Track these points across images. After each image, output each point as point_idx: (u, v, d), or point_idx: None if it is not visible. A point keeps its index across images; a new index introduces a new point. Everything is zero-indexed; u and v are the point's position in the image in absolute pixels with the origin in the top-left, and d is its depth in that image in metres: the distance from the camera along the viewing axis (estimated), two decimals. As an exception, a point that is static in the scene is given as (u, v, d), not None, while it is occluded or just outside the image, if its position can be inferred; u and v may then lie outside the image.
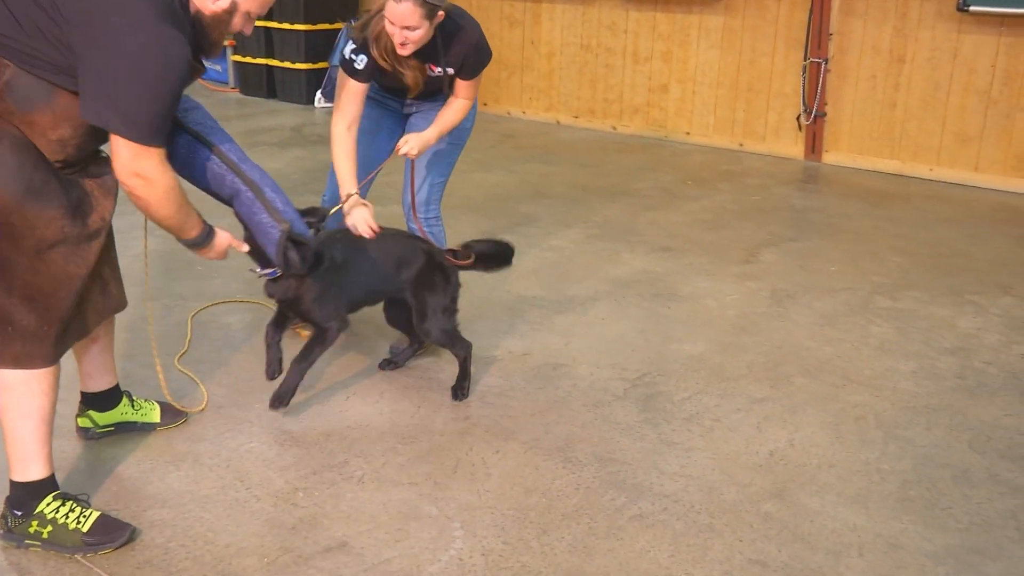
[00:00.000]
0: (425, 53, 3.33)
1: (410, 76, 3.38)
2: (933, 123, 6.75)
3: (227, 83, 10.12)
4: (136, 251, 4.80)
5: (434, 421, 3.28)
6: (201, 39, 2.47)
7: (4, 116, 2.30)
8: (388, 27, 3.20)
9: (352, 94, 3.41)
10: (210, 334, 3.93)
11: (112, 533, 2.55)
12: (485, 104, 9.12)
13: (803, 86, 7.22)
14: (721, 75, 7.70)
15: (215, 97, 9.64)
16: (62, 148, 2.39)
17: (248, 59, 9.69)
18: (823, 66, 7.08)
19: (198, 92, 9.32)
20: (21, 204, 2.33)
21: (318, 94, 9.27)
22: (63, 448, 3.01)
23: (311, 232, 2.95)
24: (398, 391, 3.49)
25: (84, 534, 2.52)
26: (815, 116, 7.21)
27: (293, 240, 2.75)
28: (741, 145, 7.70)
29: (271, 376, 3.21)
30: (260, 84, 9.78)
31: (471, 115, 3.69)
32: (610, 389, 3.54)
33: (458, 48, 3.37)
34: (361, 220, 3.29)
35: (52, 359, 2.50)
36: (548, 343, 3.94)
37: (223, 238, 2.73)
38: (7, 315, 2.41)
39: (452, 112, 3.53)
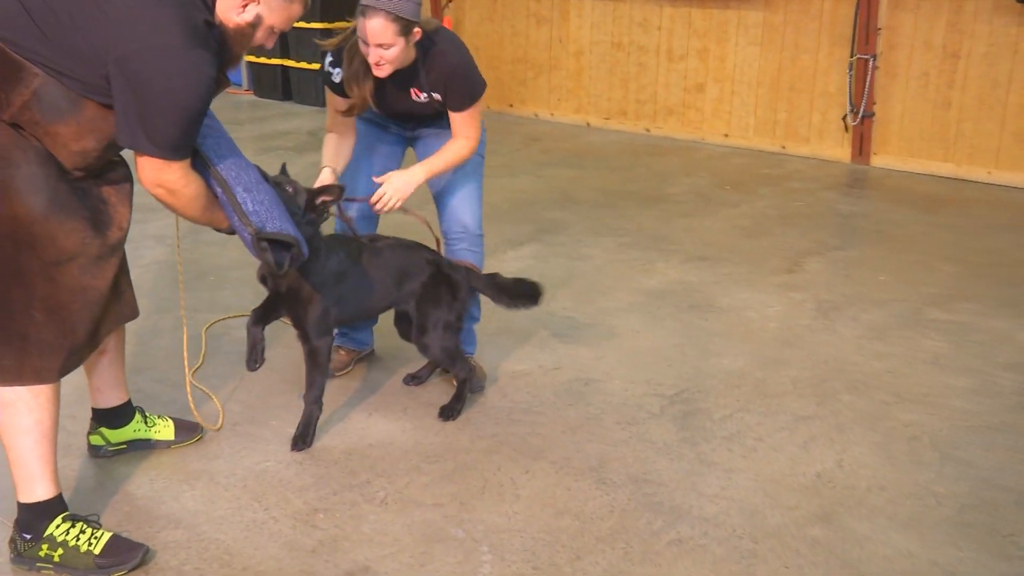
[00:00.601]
0: (406, 76, 3.30)
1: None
2: (991, 123, 6.71)
3: (240, 85, 10.23)
4: (146, 260, 4.89)
5: (459, 439, 3.30)
6: (222, 51, 2.54)
7: (28, 127, 2.39)
8: (361, 47, 3.16)
9: (335, 107, 3.44)
10: (224, 348, 3.98)
11: (124, 555, 2.59)
12: (511, 105, 9.17)
13: (849, 85, 7.20)
14: (761, 73, 7.69)
15: (228, 100, 9.75)
16: (83, 159, 2.48)
17: (263, 60, 9.80)
18: (871, 63, 7.06)
19: (210, 94, 9.42)
20: (45, 215, 2.42)
21: (335, 96, 9.34)
22: (73, 466, 3.06)
23: (302, 226, 2.96)
24: (422, 407, 3.52)
25: (96, 556, 2.56)
26: (862, 116, 7.18)
27: (270, 240, 2.75)
28: (783, 148, 7.69)
29: (251, 367, 3.16)
30: (275, 86, 9.89)
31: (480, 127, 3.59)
32: (645, 406, 3.55)
33: (439, 71, 3.30)
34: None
35: (64, 372, 2.56)
36: (579, 357, 3.95)
37: None
38: (24, 330, 2.48)
39: (451, 153, 3.42)
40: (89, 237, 2.51)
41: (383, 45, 3.10)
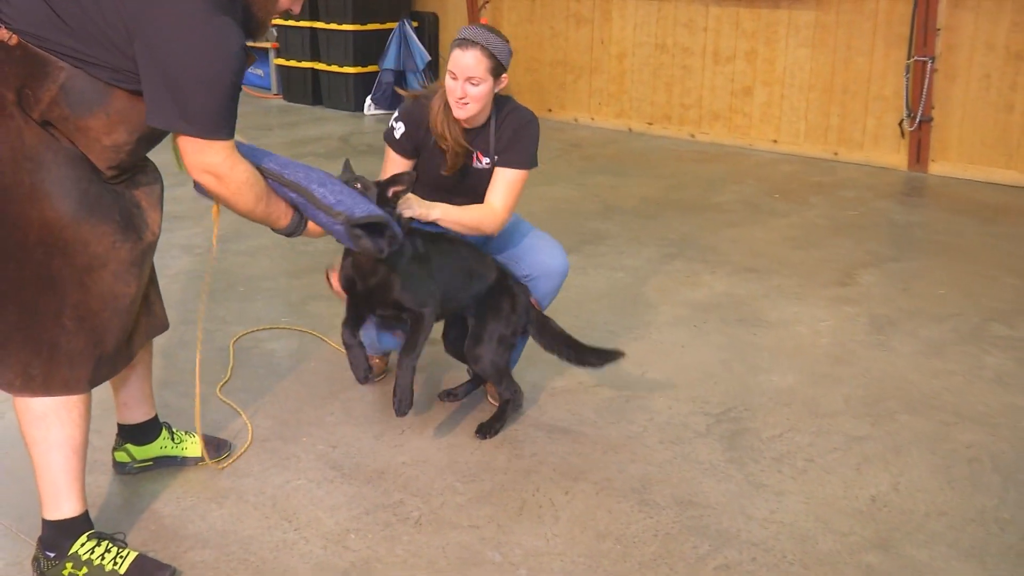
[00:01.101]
0: (474, 137, 3.36)
1: (451, 151, 3.34)
2: (1056, 128, 6.64)
3: (269, 89, 10.35)
4: (174, 270, 4.96)
5: (496, 458, 3.31)
6: (247, 19, 2.54)
7: (58, 124, 2.41)
8: (449, 83, 3.23)
9: (390, 162, 3.47)
10: (253, 361, 4.02)
11: (151, 575, 2.62)
12: (550, 110, 9.19)
13: (906, 88, 7.15)
14: (813, 76, 7.66)
15: (257, 104, 9.86)
16: (116, 154, 2.50)
17: (292, 63, 9.91)
18: (929, 65, 7.01)
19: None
20: (76, 219, 2.45)
21: (368, 100, 9.43)
22: (98, 483, 3.10)
23: (381, 208, 2.97)
24: (457, 425, 3.53)
25: (121, 576, 2.59)
26: (920, 121, 7.13)
27: (362, 226, 2.78)
28: (835, 154, 7.65)
29: (363, 380, 3.22)
30: (305, 90, 9.98)
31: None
32: (690, 425, 3.54)
33: (511, 124, 3.37)
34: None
35: (95, 383, 2.59)
36: (621, 373, 3.95)
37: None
38: (54, 339, 2.50)
39: (474, 213, 3.35)
40: (120, 241, 2.52)
41: (473, 80, 3.19)
